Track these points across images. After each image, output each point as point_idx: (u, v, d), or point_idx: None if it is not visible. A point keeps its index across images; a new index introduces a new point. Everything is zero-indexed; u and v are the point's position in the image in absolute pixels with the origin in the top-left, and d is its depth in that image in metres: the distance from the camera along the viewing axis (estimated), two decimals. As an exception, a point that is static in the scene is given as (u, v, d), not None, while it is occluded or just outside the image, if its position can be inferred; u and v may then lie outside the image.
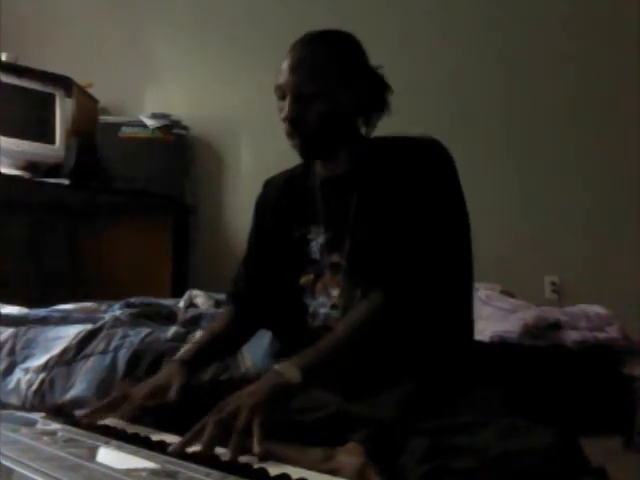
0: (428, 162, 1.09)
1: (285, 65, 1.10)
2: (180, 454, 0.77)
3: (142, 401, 1.03)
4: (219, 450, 0.80)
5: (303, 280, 1.16)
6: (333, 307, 1.12)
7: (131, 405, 1.02)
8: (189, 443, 0.81)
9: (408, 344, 1.03)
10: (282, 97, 1.11)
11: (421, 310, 1.02)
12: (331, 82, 1.09)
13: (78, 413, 1.05)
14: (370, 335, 1.01)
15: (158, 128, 2.93)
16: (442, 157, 1.11)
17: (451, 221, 1.09)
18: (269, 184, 1.30)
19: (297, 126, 1.09)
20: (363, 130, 1.17)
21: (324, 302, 1.13)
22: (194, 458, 0.75)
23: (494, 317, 1.83)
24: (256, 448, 0.79)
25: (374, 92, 1.14)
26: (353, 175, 1.13)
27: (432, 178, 1.08)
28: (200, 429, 0.82)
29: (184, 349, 1.42)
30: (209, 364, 1.32)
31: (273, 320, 1.25)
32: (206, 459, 0.75)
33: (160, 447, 0.81)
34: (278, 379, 0.93)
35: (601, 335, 1.62)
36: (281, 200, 1.24)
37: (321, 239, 1.14)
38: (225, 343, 1.25)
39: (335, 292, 1.12)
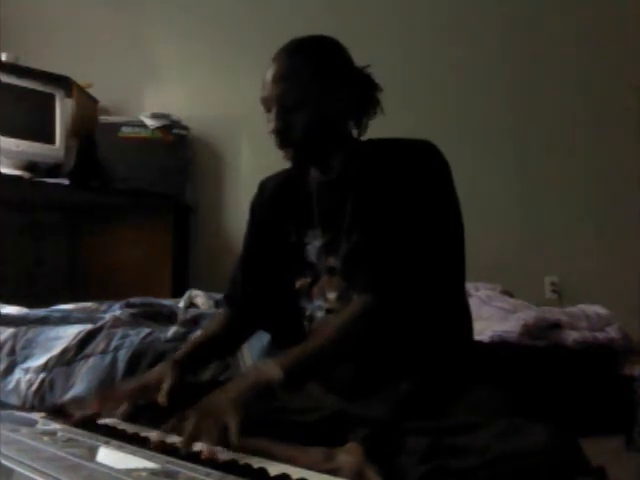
0: (421, 165, 1.08)
1: (268, 77, 1.09)
2: (162, 449, 0.78)
3: (130, 399, 1.04)
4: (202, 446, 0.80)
5: (300, 283, 1.15)
6: (330, 310, 1.11)
7: (119, 403, 1.03)
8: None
9: (405, 345, 1.03)
10: (268, 109, 1.10)
11: (415, 311, 1.02)
12: (315, 90, 1.07)
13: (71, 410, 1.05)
14: (357, 336, 1.01)
15: (158, 128, 2.93)
16: (435, 160, 1.10)
17: (443, 223, 1.08)
18: (264, 185, 1.28)
19: (286, 138, 1.08)
20: (355, 132, 1.16)
21: (321, 305, 1.13)
22: (194, 458, 0.75)
23: (494, 317, 1.83)
24: (232, 439, 0.80)
25: (361, 94, 1.13)
26: (347, 179, 1.12)
27: (425, 181, 1.07)
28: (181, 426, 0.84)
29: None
30: (203, 365, 1.32)
31: (270, 323, 1.25)
32: (203, 459, 0.75)
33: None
34: (259, 376, 0.93)
35: (601, 335, 1.62)
36: (277, 202, 1.23)
37: (318, 243, 1.14)
38: (220, 344, 1.25)
39: (332, 295, 1.11)
